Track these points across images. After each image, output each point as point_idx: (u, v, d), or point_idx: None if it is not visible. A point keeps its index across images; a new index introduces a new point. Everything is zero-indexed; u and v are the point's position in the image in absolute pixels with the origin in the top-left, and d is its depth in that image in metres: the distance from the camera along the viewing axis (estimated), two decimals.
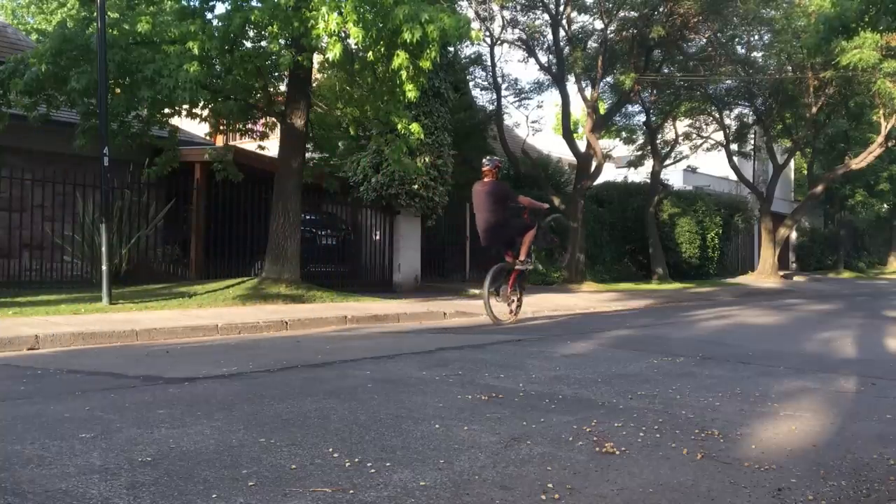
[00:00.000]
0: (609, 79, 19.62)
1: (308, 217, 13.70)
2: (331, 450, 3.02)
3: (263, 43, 10.06)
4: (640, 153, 23.72)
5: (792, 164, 30.78)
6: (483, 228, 8.82)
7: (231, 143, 15.33)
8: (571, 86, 20.43)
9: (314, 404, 3.90)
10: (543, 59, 19.62)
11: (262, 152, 13.36)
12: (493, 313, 8.62)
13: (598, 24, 18.68)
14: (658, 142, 22.65)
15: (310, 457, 2.93)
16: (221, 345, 6.64)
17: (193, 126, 13.25)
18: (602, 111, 20.75)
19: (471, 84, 20.17)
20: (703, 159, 26.29)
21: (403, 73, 8.58)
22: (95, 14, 8.79)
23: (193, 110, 11.02)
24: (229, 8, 9.25)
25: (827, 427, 3.65)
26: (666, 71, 19.86)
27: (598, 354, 6.12)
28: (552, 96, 69.28)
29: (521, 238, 8.84)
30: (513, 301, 8.93)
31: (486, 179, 8.91)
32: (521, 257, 8.86)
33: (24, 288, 10.11)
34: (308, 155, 13.30)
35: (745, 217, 24.80)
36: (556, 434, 3.36)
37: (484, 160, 9.25)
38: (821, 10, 14.25)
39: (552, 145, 28.47)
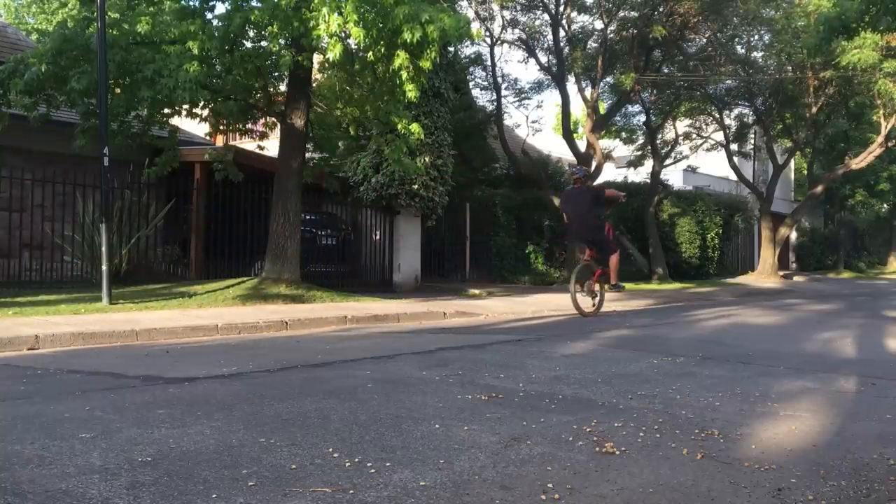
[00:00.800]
0: (609, 79, 19.62)
1: (308, 217, 13.70)
2: (331, 450, 3.02)
3: (263, 43, 10.05)
4: (640, 153, 23.72)
5: (792, 164, 30.76)
6: (573, 227, 10.03)
7: (231, 143, 15.33)
8: (571, 86, 20.46)
9: (314, 404, 3.90)
10: (543, 59, 19.64)
11: (262, 152, 13.36)
12: (578, 306, 9.60)
13: (598, 24, 18.70)
14: (658, 142, 22.63)
15: (310, 457, 2.93)
16: (221, 345, 6.64)
17: (193, 126, 13.25)
18: (602, 111, 20.75)
19: (471, 84, 20.17)
20: (703, 159, 26.27)
21: (403, 74, 8.58)
22: (95, 14, 8.79)
23: (193, 110, 11.02)
24: (229, 8, 9.24)
25: (827, 427, 3.65)
26: (666, 71, 19.86)
27: (598, 354, 6.12)
28: (552, 96, 69.32)
29: (610, 259, 9.93)
30: (596, 296, 9.94)
31: (576, 186, 10.07)
32: (613, 281, 9.99)
33: (24, 288, 10.11)
34: (308, 155, 13.30)
35: (745, 217, 24.78)
36: (556, 434, 3.36)
37: (574, 169, 10.77)
38: (821, 10, 14.24)
39: (552, 145, 28.45)
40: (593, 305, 9.83)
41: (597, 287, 9.90)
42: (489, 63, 19.57)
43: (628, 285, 17.96)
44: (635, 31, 17.85)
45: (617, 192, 10.67)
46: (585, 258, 9.94)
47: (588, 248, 9.96)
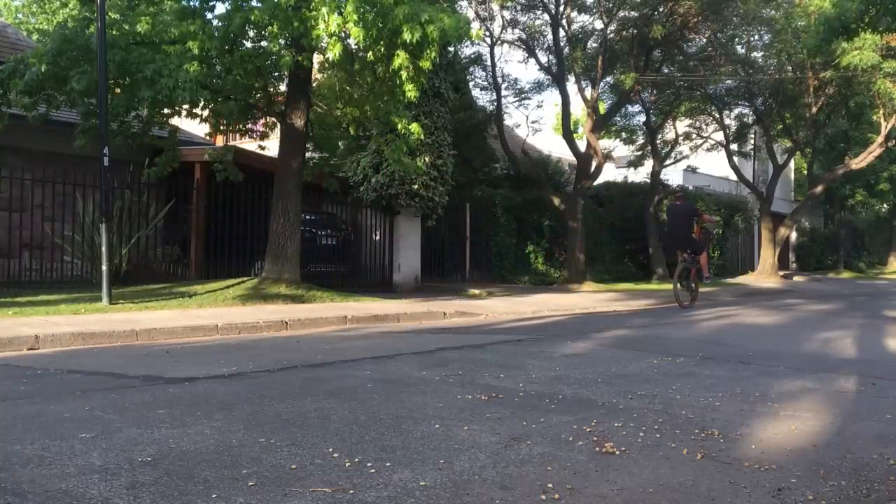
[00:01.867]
0: (609, 79, 19.61)
1: (308, 217, 13.69)
2: (331, 450, 3.03)
3: (263, 43, 10.05)
4: (640, 153, 23.70)
5: (792, 164, 30.72)
6: (673, 236, 12.61)
7: (231, 143, 15.32)
8: (571, 86, 20.44)
9: (314, 404, 3.90)
10: (543, 59, 19.63)
11: (262, 152, 13.36)
12: (679, 298, 11.79)
13: (598, 24, 18.68)
14: (658, 142, 22.60)
15: (310, 457, 2.93)
16: (221, 345, 6.64)
17: (193, 126, 13.24)
18: (602, 111, 20.73)
19: (471, 84, 20.16)
20: (703, 159, 26.24)
21: (403, 73, 8.57)
22: (95, 14, 8.79)
23: (193, 110, 11.01)
24: (229, 8, 9.24)
25: (827, 427, 3.65)
26: (666, 71, 19.84)
27: (598, 354, 6.12)
28: (552, 96, 69.24)
29: (700, 258, 12.16)
30: (692, 290, 12.20)
31: (677, 203, 12.60)
32: (705, 273, 12.40)
33: (24, 288, 10.11)
34: (308, 155, 13.29)
35: (745, 217, 24.75)
36: (556, 434, 3.36)
37: (677, 191, 13.37)
38: (821, 11, 14.23)
39: (552, 145, 28.43)
40: (691, 298, 12.10)
41: (693, 283, 12.18)
42: (489, 63, 19.57)
43: (627, 286, 18.07)
44: (635, 31, 17.84)
45: (711, 218, 13.80)
46: (682, 260, 12.01)
47: (684, 252, 12.06)
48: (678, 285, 11.86)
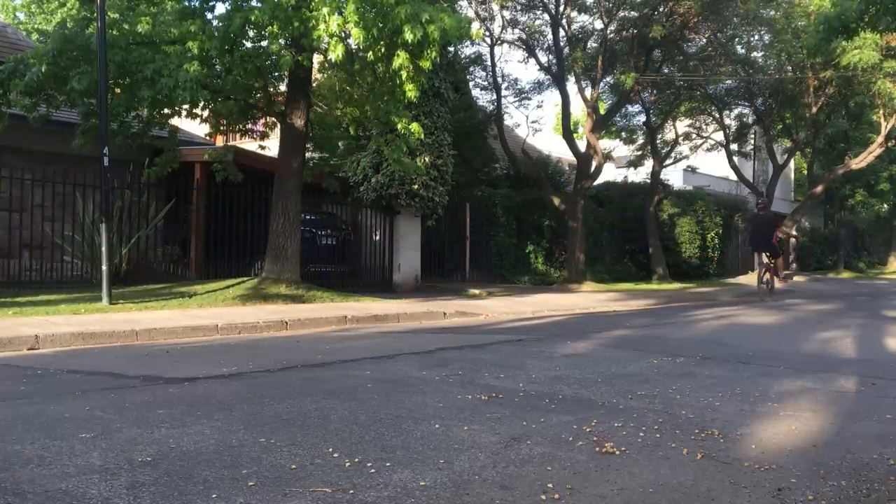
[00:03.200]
0: (609, 79, 19.60)
1: (308, 217, 13.68)
2: (331, 450, 3.03)
3: (263, 43, 10.04)
4: (640, 153, 23.70)
5: (792, 164, 30.71)
6: (756, 239, 14.96)
7: (231, 143, 15.32)
8: (571, 86, 20.43)
9: (314, 404, 3.90)
10: (543, 59, 19.63)
11: (262, 152, 13.36)
12: (762, 294, 14.18)
13: (598, 24, 18.67)
14: (658, 142, 22.60)
15: (310, 457, 2.93)
16: (221, 345, 6.64)
17: (193, 126, 13.24)
18: (602, 111, 20.72)
19: (471, 84, 20.15)
20: (703, 159, 26.24)
21: (403, 73, 8.57)
22: (95, 14, 8.79)
23: (193, 110, 11.01)
24: (229, 8, 9.23)
25: (827, 427, 3.65)
26: (666, 71, 19.83)
27: (597, 354, 6.12)
28: (552, 96, 69.09)
29: (777, 261, 14.82)
30: (771, 285, 14.63)
31: (760, 212, 15.10)
32: (780, 274, 14.84)
33: (24, 288, 10.11)
34: (308, 155, 13.28)
35: (745, 217, 24.74)
36: (556, 434, 3.36)
37: (759, 201, 16.39)
38: (821, 10, 14.22)
39: (552, 145, 28.43)
40: (769, 292, 14.35)
41: (769, 278, 14.52)
42: (489, 63, 19.56)
43: (628, 286, 18.07)
44: (635, 31, 17.83)
45: (779, 233, 15.95)
46: (765, 261, 14.52)
47: (765, 254, 14.52)
48: (762, 284, 14.14)
